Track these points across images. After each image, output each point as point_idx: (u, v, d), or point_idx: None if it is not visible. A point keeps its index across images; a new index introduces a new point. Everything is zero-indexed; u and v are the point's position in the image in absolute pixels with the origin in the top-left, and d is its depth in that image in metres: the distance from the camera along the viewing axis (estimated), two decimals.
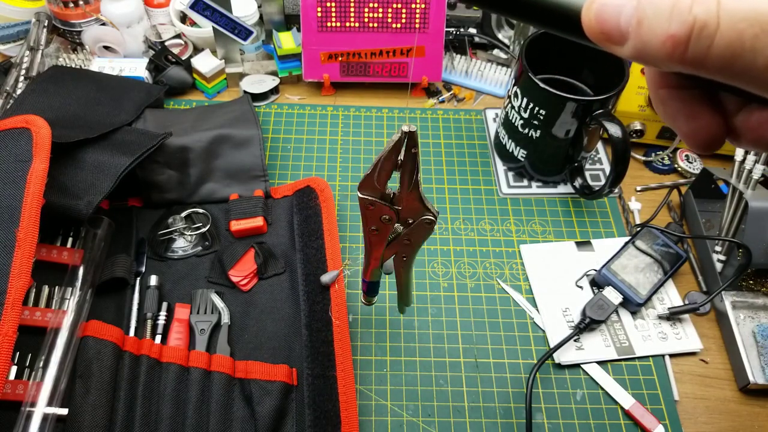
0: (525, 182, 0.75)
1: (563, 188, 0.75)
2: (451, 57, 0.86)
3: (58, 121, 0.57)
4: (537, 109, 0.66)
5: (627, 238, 0.69)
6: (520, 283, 0.67)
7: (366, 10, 0.77)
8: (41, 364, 0.52)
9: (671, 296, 0.66)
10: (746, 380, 0.59)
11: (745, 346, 0.61)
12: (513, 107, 0.70)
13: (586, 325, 0.62)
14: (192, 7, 0.74)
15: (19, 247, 0.50)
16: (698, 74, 0.20)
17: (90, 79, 0.74)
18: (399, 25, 0.78)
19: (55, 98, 0.70)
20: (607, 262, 0.65)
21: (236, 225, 0.65)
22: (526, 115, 0.68)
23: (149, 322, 0.59)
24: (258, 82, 0.81)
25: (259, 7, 0.84)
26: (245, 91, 0.80)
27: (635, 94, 0.74)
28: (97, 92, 0.72)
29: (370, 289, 0.55)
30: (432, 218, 0.42)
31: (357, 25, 0.78)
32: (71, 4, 0.80)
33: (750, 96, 0.22)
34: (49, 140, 0.55)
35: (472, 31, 0.88)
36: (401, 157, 0.38)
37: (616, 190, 0.75)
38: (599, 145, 0.80)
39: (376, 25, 0.78)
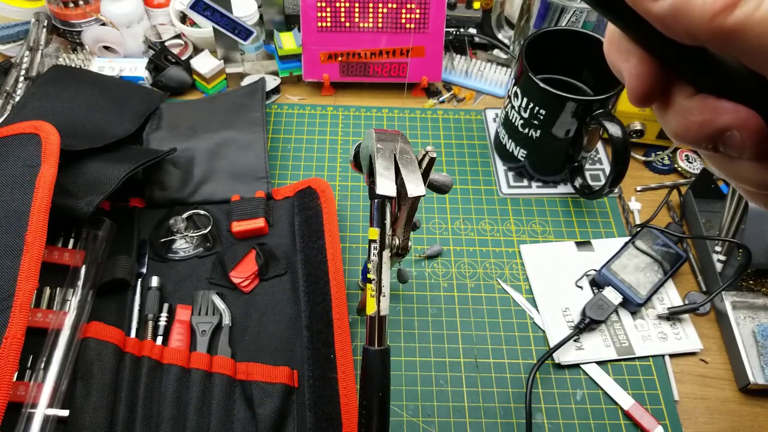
0: (525, 182, 0.75)
1: (563, 188, 0.75)
2: (451, 57, 0.86)
3: (61, 128, 0.57)
4: (537, 109, 0.66)
5: (627, 238, 0.69)
6: (520, 283, 0.67)
7: (366, 10, 0.77)
8: (42, 366, 0.52)
9: (671, 296, 0.66)
10: (746, 380, 0.59)
11: (745, 346, 0.61)
12: (513, 107, 0.70)
13: (586, 325, 0.62)
14: (192, 7, 0.74)
15: (27, 251, 0.50)
16: (723, 47, 0.18)
17: (91, 82, 0.75)
18: (399, 26, 0.78)
19: (57, 103, 0.70)
20: (607, 262, 0.66)
21: (237, 226, 0.65)
22: (526, 115, 0.68)
23: (150, 324, 0.59)
24: None
25: (260, 7, 0.84)
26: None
27: None
28: (99, 98, 0.73)
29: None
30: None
31: (357, 25, 0.78)
32: (71, 4, 0.80)
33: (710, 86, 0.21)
34: (58, 146, 0.56)
35: (472, 31, 0.88)
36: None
37: (616, 190, 0.75)
38: (599, 145, 0.80)
39: (375, 25, 0.78)
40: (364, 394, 0.41)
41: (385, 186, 0.41)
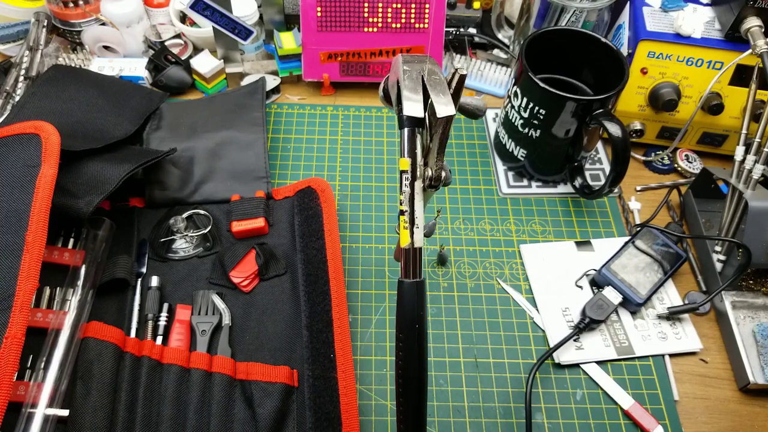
0: (525, 182, 0.75)
1: (563, 188, 0.75)
2: (451, 57, 0.86)
3: (60, 128, 0.58)
4: (537, 108, 0.66)
5: (627, 238, 0.69)
6: (520, 283, 0.67)
7: (366, 10, 0.77)
8: (42, 365, 0.52)
9: (671, 296, 0.66)
10: (746, 380, 0.59)
11: (745, 346, 0.61)
12: (513, 107, 0.70)
13: (586, 324, 0.62)
14: (192, 7, 0.74)
15: (28, 251, 0.50)
16: None
17: (91, 81, 0.75)
18: (399, 25, 0.78)
19: (57, 103, 0.70)
20: (607, 261, 0.66)
21: (237, 226, 0.65)
22: (526, 115, 0.68)
23: (150, 323, 0.59)
24: None
25: (259, 7, 0.84)
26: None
27: (635, 94, 0.74)
28: (99, 97, 0.73)
29: None
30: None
31: (357, 25, 0.78)
32: (71, 4, 0.80)
33: None
34: (58, 146, 0.56)
35: (472, 31, 0.88)
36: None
37: (616, 190, 0.76)
38: (599, 145, 0.80)
39: (375, 24, 0.78)
40: (400, 327, 0.39)
41: (413, 107, 0.39)
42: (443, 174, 0.43)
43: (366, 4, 0.77)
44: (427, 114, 0.41)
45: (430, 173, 0.42)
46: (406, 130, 0.40)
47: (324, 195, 0.66)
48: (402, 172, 0.40)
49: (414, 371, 0.40)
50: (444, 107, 0.39)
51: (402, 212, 0.39)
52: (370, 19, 0.78)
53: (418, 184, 0.40)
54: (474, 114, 0.47)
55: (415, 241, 0.39)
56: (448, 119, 0.40)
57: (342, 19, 0.77)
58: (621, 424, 0.58)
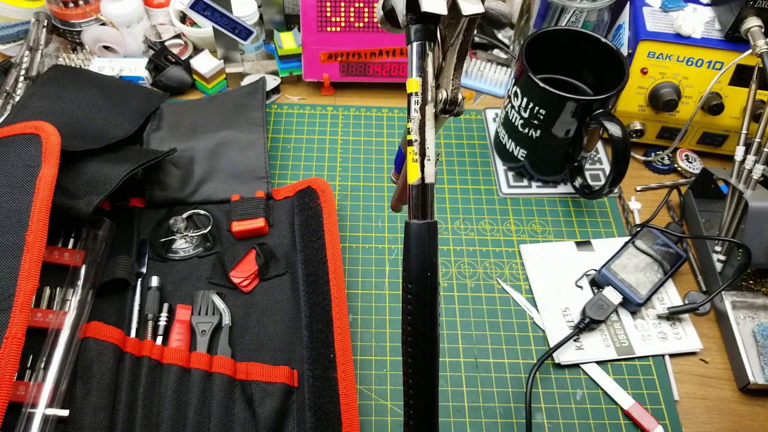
0: (525, 182, 0.75)
1: (563, 188, 0.75)
2: None
3: (60, 128, 0.58)
4: (537, 108, 0.66)
5: (627, 238, 0.69)
6: (520, 283, 0.67)
7: (366, 10, 0.77)
8: (42, 365, 0.52)
9: (671, 296, 0.66)
10: (746, 380, 0.59)
11: (745, 346, 0.61)
12: (513, 107, 0.70)
13: (586, 324, 0.62)
14: (192, 7, 0.74)
15: (28, 251, 0.51)
16: None
17: (91, 82, 0.75)
18: None
19: (57, 102, 0.70)
20: (607, 262, 0.66)
21: (237, 226, 0.65)
22: (526, 115, 0.68)
23: (150, 324, 0.59)
24: None
25: (260, 7, 0.84)
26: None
27: (635, 94, 0.74)
28: (99, 98, 0.73)
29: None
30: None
31: (357, 25, 0.78)
32: (71, 4, 0.80)
33: None
34: (59, 147, 0.56)
35: None
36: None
37: (616, 190, 0.76)
38: (599, 145, 0.80)
39: (375, 24, 0.78)
40: (408, 277, 0.34)
41: (433, 2, 0.32)
42: (459, 96, 0.37)
43: (366, 4, 0.76)
44: (440, 27, 0.35)
45: (444, 95, 0.37)
46: (415, 44, 0.34)
47: (324, 195, 0.66)
48: (410, 95, 0.34)
49: (425, 328, 0.35)
50: (470, 4, 0.33)
51: (410, 142, 0.34)
52: (370, 19, 0.78)
53: (430, 109, 0.34)
54: (498, 22, 0.39)
55: (426, 176, 0.34)
56: (473, 20, 0.34)
57: (342, 19, 0.77)
58: (621, 424, 0.58)
